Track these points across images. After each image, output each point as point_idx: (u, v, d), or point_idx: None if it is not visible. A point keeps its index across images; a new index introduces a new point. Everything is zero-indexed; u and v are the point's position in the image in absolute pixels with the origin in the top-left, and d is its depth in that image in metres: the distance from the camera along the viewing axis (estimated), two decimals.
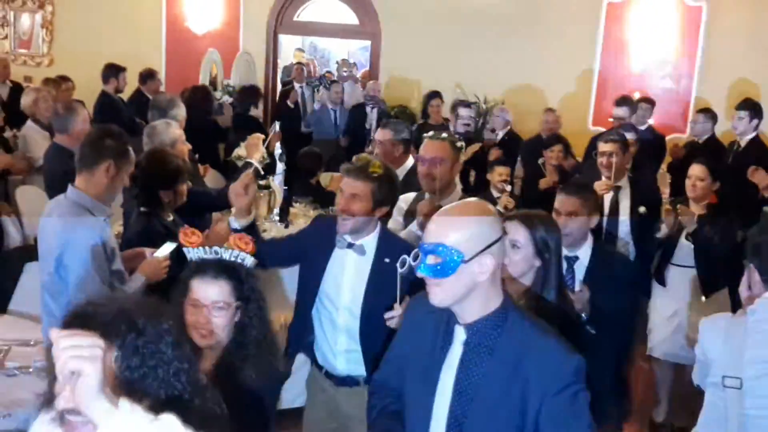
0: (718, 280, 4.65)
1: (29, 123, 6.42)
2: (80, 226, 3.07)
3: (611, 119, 7.34)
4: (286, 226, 5.42)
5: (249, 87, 7.85)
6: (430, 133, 3.79)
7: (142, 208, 3.69)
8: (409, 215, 3.73)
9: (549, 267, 2.77)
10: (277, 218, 5.59)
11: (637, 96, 8.39)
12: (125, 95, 8.27)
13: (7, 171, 6.07)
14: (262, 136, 5.02)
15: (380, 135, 4.60)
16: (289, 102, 9.52)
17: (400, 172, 4.17)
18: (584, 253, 3.51)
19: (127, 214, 4.22)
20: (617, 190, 4.72)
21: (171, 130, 4.40)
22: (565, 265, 3.29)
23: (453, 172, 3.60)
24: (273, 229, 5.31)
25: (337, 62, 9.38)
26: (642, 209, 4.66)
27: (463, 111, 6.94)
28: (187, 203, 3.85)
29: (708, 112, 7.26)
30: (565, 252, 3.28)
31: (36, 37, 10.79)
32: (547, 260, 2.77)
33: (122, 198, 4.28)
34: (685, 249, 4.69)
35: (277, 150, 5.73)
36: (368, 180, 3.03)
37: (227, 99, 8.75)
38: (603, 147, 4.80)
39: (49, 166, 5.00)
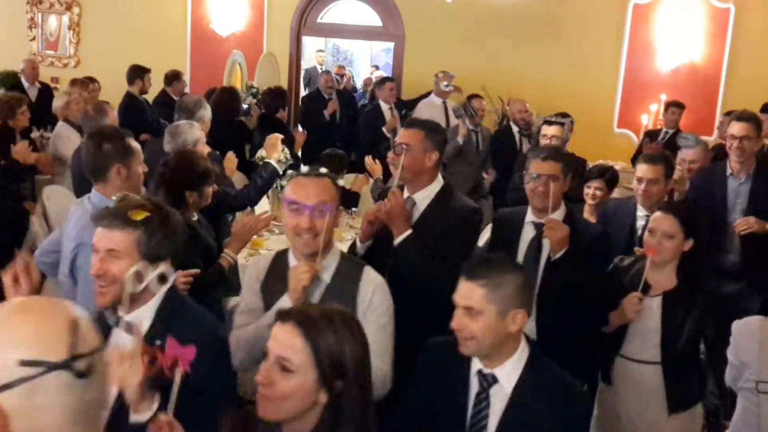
0: (692, 391, 3.28)
1: (61, 123, 6.49)
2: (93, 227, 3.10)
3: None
4: None
5: (275, 89, 7.86)
6: (304, 168, 2.67)
7: None
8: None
9: (341, 407, 1.73)
10: None
11: (663, 98, 8.32)
12: (150, 96, 8.34)
13: (34, 169, 6.14)
14: (281, 137, 5.04)
15: (406, 136, 3.28)
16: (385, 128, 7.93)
17: (425, 197, 3.30)
18: (507, 372, 2.25)
19: None
20: (539, 228, 3.40)
21: (194, 131, 4.42)
22: (476, 388, 2.28)
23: (336, 222, 2.65)
24: None
25: (436, 75, 8.07)
26: (550, 250, 3.31)
27: (547, 129, 5.58)
28: (210, 204, 3.87)
29: None
30: (479, 366, 2.29)
31: (63, 39, 10.90)
32: (338, 395, 1.72)
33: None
34: (638, 337, 3.25)
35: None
36: (129, 227, 2.18)
37: (251, 100, 8.79)
38: (542, 167, 3.42)
39: (77, 167, 5.04)
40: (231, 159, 5.45)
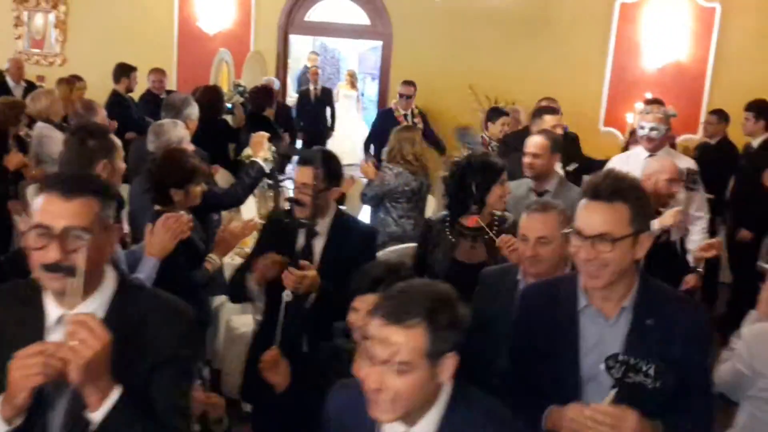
0: None
1: (41, 123, 6.40)
2: None
3: None
4: None
5: (262, 87, 7.83)
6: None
7: (156, 207, 3.67)
8: None
9: None
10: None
11: (648, 97, 8.34)
12: (135, 94, 8.30)
13: (20, 173, 6.08)
14: (267, 135, 5.00)
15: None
16: None
17: (94, 310, 1.84)
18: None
19: (133, 214, 4.21)
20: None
21: (178, 130, 4.40)
22: None
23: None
24: None
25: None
26: None
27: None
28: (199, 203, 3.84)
29: (720, 114, 7.23)
30: None
31: (49, 37, 10.85)
32: None
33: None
34: None
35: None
36: None
37: (238, 99, 8.75)
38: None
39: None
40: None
